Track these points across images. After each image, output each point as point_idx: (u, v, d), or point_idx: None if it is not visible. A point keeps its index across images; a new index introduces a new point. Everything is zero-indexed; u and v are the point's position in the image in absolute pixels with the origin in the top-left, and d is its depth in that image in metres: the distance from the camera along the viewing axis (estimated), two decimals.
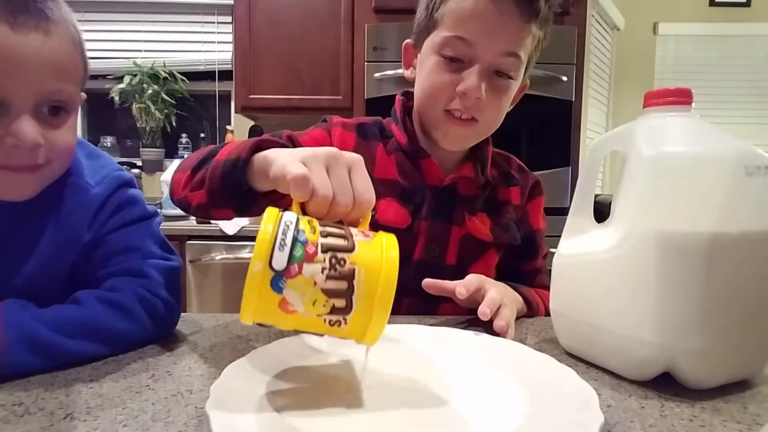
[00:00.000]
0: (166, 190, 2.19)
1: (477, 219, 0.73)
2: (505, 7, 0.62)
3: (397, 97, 0.78)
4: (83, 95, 0.55)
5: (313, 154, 0.41)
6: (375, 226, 0.71)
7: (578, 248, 0.52)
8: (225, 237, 1.98)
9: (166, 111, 2.55)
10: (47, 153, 0.50)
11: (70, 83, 0.51)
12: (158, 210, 0.66)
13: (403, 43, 0.75)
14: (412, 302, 0.72)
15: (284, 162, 0.41)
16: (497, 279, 0.72)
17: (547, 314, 0.69)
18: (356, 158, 0.43)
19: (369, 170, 0.65)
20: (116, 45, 2.60)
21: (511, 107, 0.75)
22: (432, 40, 0.67)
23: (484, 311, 0.58)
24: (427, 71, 0.68)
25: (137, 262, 0.58)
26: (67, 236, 0.56)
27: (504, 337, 0.57)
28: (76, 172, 0.57)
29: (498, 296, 0.60)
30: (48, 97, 0.49)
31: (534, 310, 0.71)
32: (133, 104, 2.50)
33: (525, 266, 0.80)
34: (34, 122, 0.48)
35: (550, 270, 0.57)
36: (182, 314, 0.63)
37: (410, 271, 0.66)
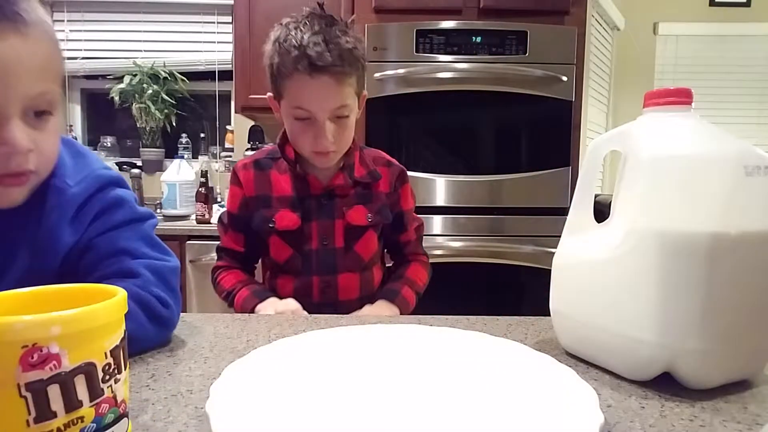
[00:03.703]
0: (166, 190, 2.19)
1: (353, 211, 0.96)
2: (323, 80, 0.81)
3: (281, 131, 0.96)
4: None
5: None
6: (277, 231, 0.94)
7: (578, 248, 0.52)
8: None
9: (166, 111, 2.55)
10: (36, 159, 0.50)
11: (53, 83, 0.51)
12: (153, 212, 0.63)
13: (267, 95, 0.93)
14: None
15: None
16: (383, 251, 1.07)
17: (425, 290, 1.01)
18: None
19: (268, 192, 0.95)
20: (116, 45, 2.60)
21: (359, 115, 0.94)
22: (285, 106, 0.87)
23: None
24: (288, 126, 0.90)
25: (127, 264, 0.56)
26: (46, 239, 0.55)
27: None
28: (57, 173, 0.56)
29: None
30: (35, 101, 0.49)
31: (408, 300, 0.96)
32: (133, 104, 2.50)
33: (400, 238, 1.07)
34: (24, 127, 0.48)
35: (546, 268, 0.57)
36: (182, 314, 0.63)
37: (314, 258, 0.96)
